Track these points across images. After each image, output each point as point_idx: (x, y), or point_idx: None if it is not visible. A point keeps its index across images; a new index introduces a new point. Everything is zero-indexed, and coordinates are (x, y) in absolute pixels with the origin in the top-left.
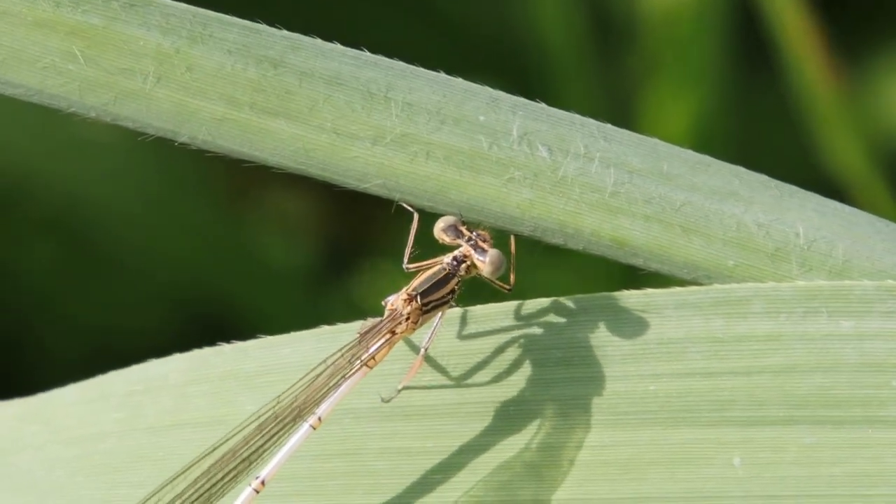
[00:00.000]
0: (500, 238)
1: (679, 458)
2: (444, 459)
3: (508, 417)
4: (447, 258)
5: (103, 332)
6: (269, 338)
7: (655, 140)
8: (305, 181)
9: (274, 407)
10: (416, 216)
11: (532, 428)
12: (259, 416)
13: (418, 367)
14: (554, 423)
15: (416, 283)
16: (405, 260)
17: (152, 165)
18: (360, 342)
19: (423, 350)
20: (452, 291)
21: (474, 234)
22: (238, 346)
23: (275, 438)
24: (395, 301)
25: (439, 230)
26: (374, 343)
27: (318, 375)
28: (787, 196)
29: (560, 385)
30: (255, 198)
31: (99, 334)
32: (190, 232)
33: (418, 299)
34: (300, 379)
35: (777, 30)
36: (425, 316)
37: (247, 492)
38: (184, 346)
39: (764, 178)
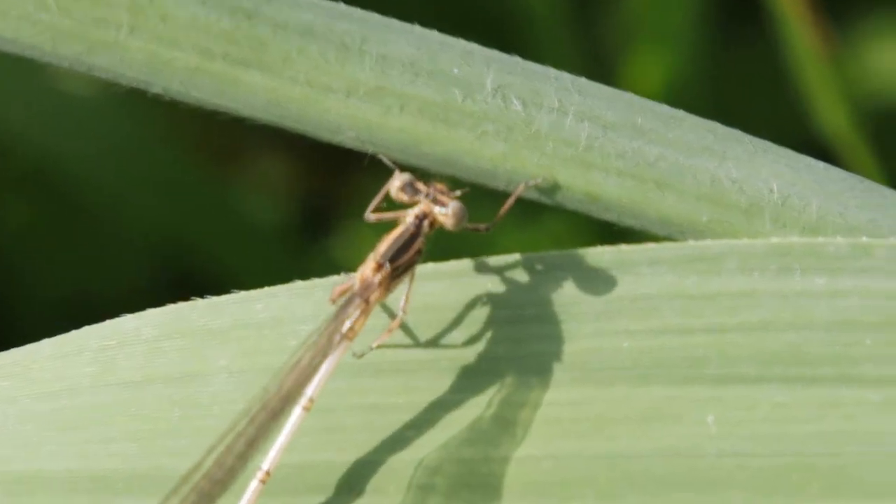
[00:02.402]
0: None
1: (651, 416)
2: (415, 416)
3: (481, 374)
4: (409, 217)
5: (80, 288)
6: (243, 293)
7: (630, 94)
8: (285, 142)
9: (263, 398)
10: (396, 172)
11: (504, 384)
12: (248, 412)
13: (394, 328)
14: (526, 379)
15: (381, 248)
16: (368, 210)
17: (131, 123)
18: (335, 318)
19: (400, 313)
20: (419, 251)
21: (431, 188)
22: (211, 301)
23: (268, 429)
24: (364, 270)
25: (396, 190)
26: (350, 316)
27: (300, 359)
28: (761, 152)
29: (532, 342)
30: (236, 159)
31: (75, 291)
32: (170, 191)
33: (387, 265)
34: (282, 365)
35: None
36: (396, 280)
37: (253, 485)
38: (161, 304)
39: (738, 133)
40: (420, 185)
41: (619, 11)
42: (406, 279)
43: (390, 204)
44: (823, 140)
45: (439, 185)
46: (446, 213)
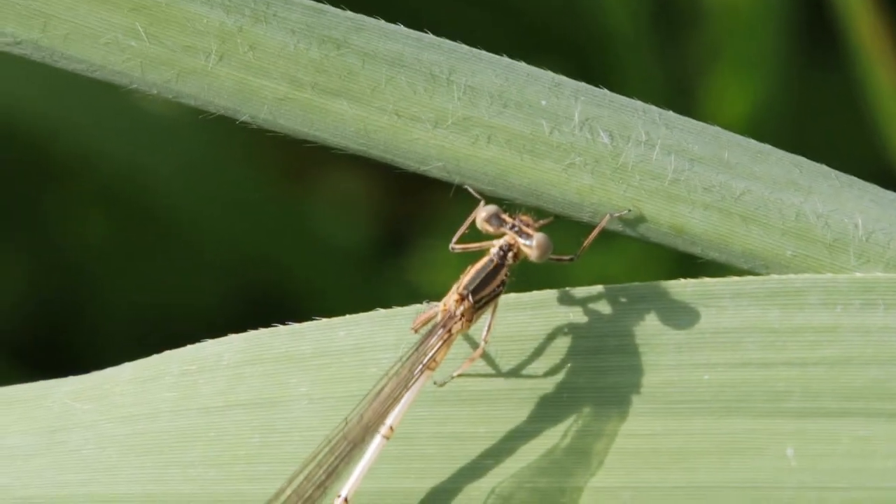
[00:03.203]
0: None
1: (731, 448)
2: (495, 444)
3: (561, 404)
4: (493, 249)
5: (159, 311)
6: (324, 320)
7: (717, 128)
8: (365, 161)
9: (343, 428)
10: (482, 203)
11: (584, 415)
12: (329, 442)
13: (476, 358)
14: (606, 410)
15: (465, 279)
16: (454, 240)
17: (210, 141)
18: (418, 349)
19: (482, 343)
20: (503, 283)
21: (517, 220)
22: (293, 327)
23: (348, 459)
24: (448, 301)
25: (482, 221)
26: (433, 347)
27: (382, 389)
28: (846, 187)
29: (614, 373)
30: (314, 177)
31: (155, 314)
32: (248, 210)
33: (470, 297)
34: (364, 395)
35: (846, 26)
36: (479, 311)
37: None
38: (239, 326)
39: (824, 168)
40: (505, 217)
41: (702, 36)
42: (489, 309)
43: (473, 232)
44: None
45: (524, 217)
46: (531, 245)
